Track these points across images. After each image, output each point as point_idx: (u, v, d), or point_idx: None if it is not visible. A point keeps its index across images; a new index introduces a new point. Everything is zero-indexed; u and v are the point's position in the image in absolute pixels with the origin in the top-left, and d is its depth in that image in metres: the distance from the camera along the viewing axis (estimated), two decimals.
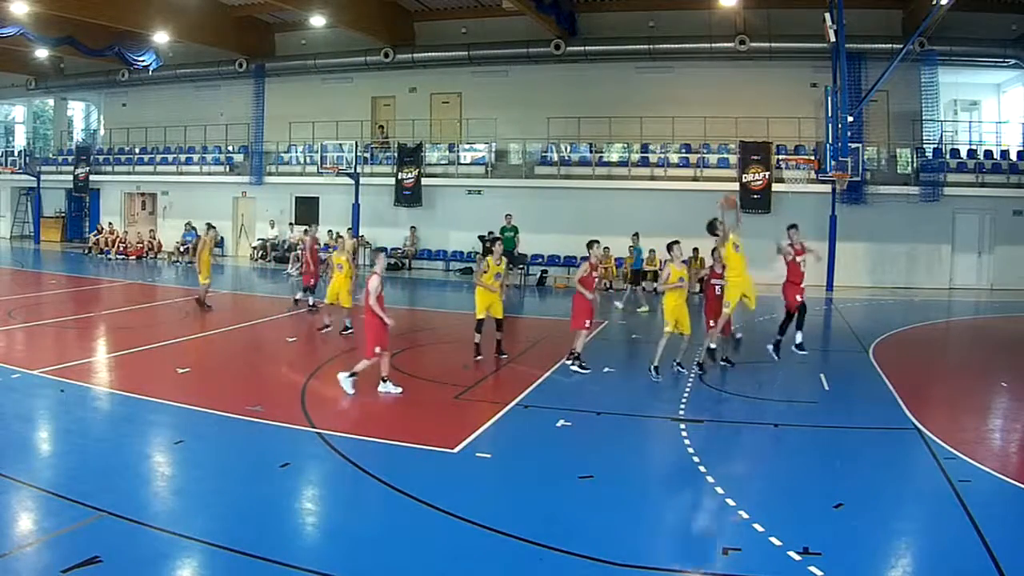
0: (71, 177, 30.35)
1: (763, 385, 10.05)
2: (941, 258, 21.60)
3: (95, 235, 27.99)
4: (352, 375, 8.88)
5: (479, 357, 10.95)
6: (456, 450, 7.13)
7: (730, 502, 5.98)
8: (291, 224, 26.67)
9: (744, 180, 21.61)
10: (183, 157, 28.91)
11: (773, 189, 21.51)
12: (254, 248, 26.93)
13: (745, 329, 10.64)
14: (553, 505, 6.05)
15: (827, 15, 18.55)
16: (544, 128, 23.81)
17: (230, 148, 28.37)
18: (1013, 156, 21.30)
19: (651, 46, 23.09)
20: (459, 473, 6.76)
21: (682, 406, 8.83)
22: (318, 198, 26.54)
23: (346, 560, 5.06)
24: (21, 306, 14.93)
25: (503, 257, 11.49)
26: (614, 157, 23.73)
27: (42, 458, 6.88)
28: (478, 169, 24.74)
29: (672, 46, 22.97)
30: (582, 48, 23.76)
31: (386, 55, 25.45)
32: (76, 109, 36.07)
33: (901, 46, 19.58)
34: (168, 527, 5.32)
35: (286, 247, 25.43)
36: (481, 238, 20.64)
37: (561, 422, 8.20)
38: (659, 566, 5.10)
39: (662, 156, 22.95)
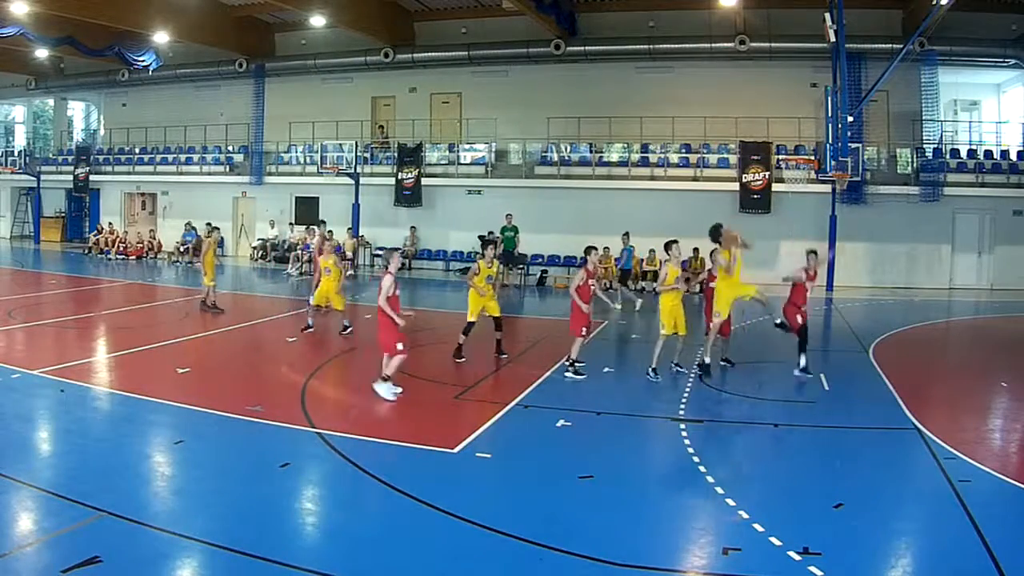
0: (71, 177, 30.36)
1: (763, 385, 10.05)
2: (941, 258, 21.61)
3: (95, 235, 27.98)
4: (386, 379, 8.71)
5: (461, 359, 10.88)
6: (456, 450, 7.12)
7: (730, 502, 5.98)
8: (291, 224, 26.69)
9: (744, 180, 21.61)
10: (183, 157, 28.91)
11: (773, 189, 21.51)
12: (254, 248, 26.93)
13: (755, 328, 10.50)
14: (553, 505, 6.05)
15: (827, 15, 18.55)
16: (544, 128, 23.81)
17: (230, 148, 28.37)
18: (1013, 156, 21.30)
19: (651, 46, 23.09)
20: (459, 473, 6.76)
21: (682, 406, 8.83)
22: (318, 198, 26.54)
23: (346, 560, 5.06)
24: (21, 306, 14.93)
25: (495, 260, 11.47)
26: (614, 157, 23.72)
27: (42, 458, 6.88)
28: (478, 169, 24.74)
29: (672, 46, 22.98)
30: (582, 48, 23.76)
31: (386, 55, 25.45)
32: (76, 109, 36.08)
33: (901, 46, 19.59)
34: (168, 527, 5.32)
35: (286, 247, 25.43)
36: (481, 238, 20.66)
37: (561, 422, 8.20)
38: (659, 566, 5.10)
39: (662, 156, 22.95)
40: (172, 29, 23.85)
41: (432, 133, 25.76)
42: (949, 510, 5.89)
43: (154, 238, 27.09)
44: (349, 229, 23.65)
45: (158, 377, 9.64)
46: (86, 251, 27.47)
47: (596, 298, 10.56)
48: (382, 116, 27.32)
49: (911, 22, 20.49)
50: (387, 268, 8.91)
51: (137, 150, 30.12)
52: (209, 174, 28.13)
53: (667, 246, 10.47)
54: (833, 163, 19.59)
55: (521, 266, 22.27)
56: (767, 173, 21.48)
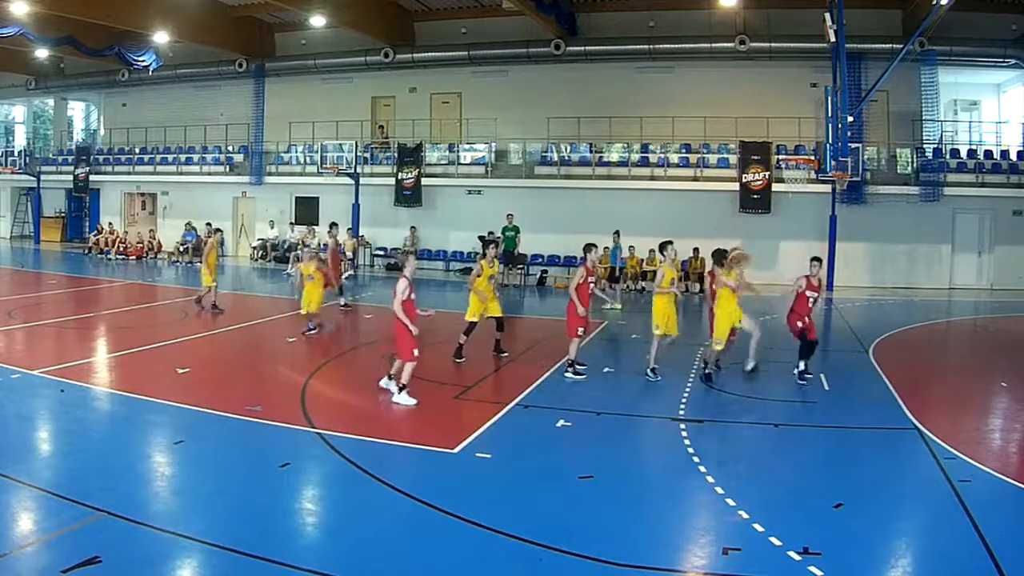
0: (71, 177, 30.35)
1: (763, 385, 10.04)
2: (941, 258, 21.60)
3: (95, 235, 27.99)
4: (403, 388, 8.61)
5: (461, 359, 10.87)
6: (456, 450, 7.13)
7: (730, 502, 5.99)
8: (291, 224, 26.69)
9: (744, 180, 21.61)
10: (183, 157, 28.91)
11: (773, 189, 21.50)
12: (254, 248, 26.93)
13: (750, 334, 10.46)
14: (553, 505, 6.04)
15: (827, 15, 18.54)
16: (544, 128, 23.81)
17: (230, 148, 28.37)
18: (1013, 156, 21.30)
19: (651, 46, 23.09)
20: (459, 473, 6.76)
21: (682, 406, 8.83)
22: (318, 198, 26.55)
23: (346, 560, 5.06)
24: (21, 306, 14.93)
25: (495, 259, 11.47)
26: (614, 157, 23.72)
27: (42, 458, 6.88)
28: (478, 169, 24.74)
29: (672, 46, 22.97)
30: (582, 48, 23.75)
31: (386, 55, 25.45)
32: (76, 109, 36.08)
33: (901, 46, 19.58)
34: (168, 527, 5.32)
35: (286, 247, 25.44)
36: (481, 238, 20.67)
37: (561, 422, 8.20)
38: (659, 566, 5.10)
39: (662, 156, 22.94)
40: (172, 29, 23.85)
41: (432, 133, 25.75)
42: (949, 510, 5.89)
43: (154, 238, 27.10)
44: (349, 229, 23.63)
45: (158, 377, 9.64)
46: (86, 251, 27.48)
47: (594, 297, 10.56)
48: (382, 116, 27.32)
49: (911, 22, 20.49)
50: (402, 271, 8.81)
51: (137, 150, 30.11)
52: (209, 174, 28.12)
53: (662, 247, 10.43)
54: (833, 163, 19.58)
55: (521, 266, 22.27)
56: (767, 173, 21.47)
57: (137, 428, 7.69)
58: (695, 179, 22.34)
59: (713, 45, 22.51)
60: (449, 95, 26.26)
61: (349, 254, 22.99)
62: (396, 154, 25.03)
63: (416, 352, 8.53)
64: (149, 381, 9.38)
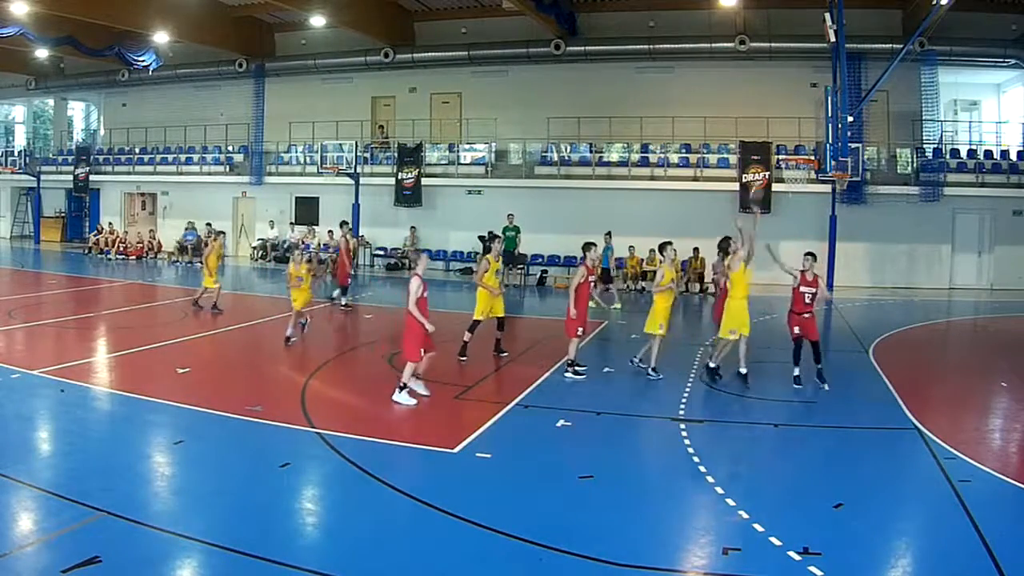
0: (71, 177, 30.34)
1: (763, 385, 10.03)
2: (941, 258, 21.60)
3: (95, 235, 27.97)
4: (403, 388, 8.60)
5: (464, 358, 10.88)
6: (456, 450, 7.13)
7: (730, 502, 5.99)
8: (291, 224, 26.70)
9: (744, 180, 21.61)
10: (183, 157, 28.91)
11: (773, 189, 21.50)
12: (254, 248, 26.93)
13: (754, 328, 10.40)
14: (553, 505, 6.04)
15: (827, 15, 18.54)
16: (544, 128, 23.81)
17: (230, 148, 28.37)
18: (1013, 156, 21.30)
19: (651, 46, 23.09)
20: (459, 473, 6.76)
21: (682, 406, 8.83)
22: (318, 198, 26.55)
23: (346, 560, 5.06)
24: (21, 306, 14.93)
25: (500, 255, 11.50)
26: (614, 157, 23.72)
27: (42, 458, 6.88)
28: (478, 169, 24.73)
29: (672, 46, 22.97)
30: (582, 48, 23.75)
31: (386, 55, 25.45)
32: (76, 109, 36.07)
33: (901, 46, 19.58)
34: (168, 527, 5.32)
35: (286, 247, 25.43)
36: (481, 238, 20.65)
37: (561, 422, 8.20)
38: (659, 566, 5.10)
39: (662, 156, 22.94)
40: (172, 29, 23.85)
41: (432, 133, 25.75)
42: (949, 510, 5.90)
43: (154, 238, 27.08)
44: (350, 229, 23.59)
45: (158, 377, 9.64)
46: (86, 251, 27.47)
47: (593, 300, 10.57)
48: (382, 116, 27.32)
49: (911, 22, 20.49)
50: (415, 271, 8.78)
51: (137, 150, 30.10)
52: (209, 174, 28.12)
53: (661, 248, 10.48)
54: (833, 163, 19.59)
55: (521, 266, 22.27)
56: (767, 173, 21.47)
57: (137, 428, 7.69)
58: (695, 179, 22.34)
59: (713, 45, 22.51)
60: (449, 95, 26.25)
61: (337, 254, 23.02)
62: (396, 154, 25.03)
63: (423, 353, 8.55)
64: (149, 381, 9.38)
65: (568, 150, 23.98)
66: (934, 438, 7.65)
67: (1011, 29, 20.69)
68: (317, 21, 23.47)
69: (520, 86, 24.89)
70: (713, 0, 19.98)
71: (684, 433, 7.78)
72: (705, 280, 20.70)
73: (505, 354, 11.29)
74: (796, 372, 9.91)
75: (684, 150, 23.11)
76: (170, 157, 29.17)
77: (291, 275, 12.33)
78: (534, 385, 9.65)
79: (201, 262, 24.51)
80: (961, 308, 18.97)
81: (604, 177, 23.19)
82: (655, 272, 20.24)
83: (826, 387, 9.73)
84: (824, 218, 21.06)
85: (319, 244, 24.19)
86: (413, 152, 24.69)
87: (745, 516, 5.69)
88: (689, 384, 9.89)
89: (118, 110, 31.90)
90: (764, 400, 9.36)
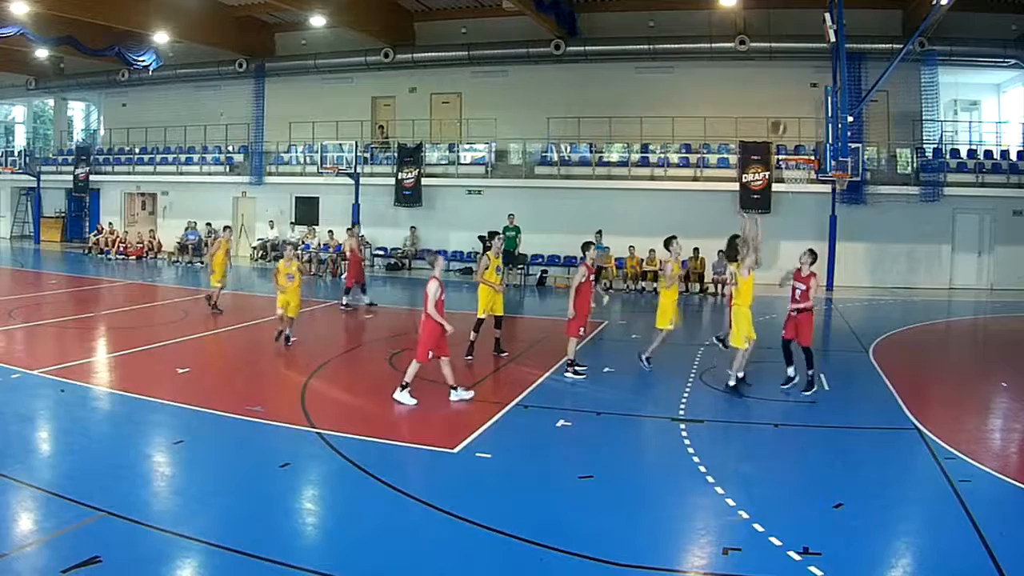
0: (71, 177, 30.34)
1: (763, 385, 10.03)
2: (941, 258, 21.60)
3: (95, 235, 27.98)
4: (404, 387, 8.61)
5: (469, 357, 10.90)
6: (456, 450, 7.13)
7: (730, 502, 5.99)
8: (292, 224, 26.70)
9: (744, 180, 21.61)
10: (183, 157, 28.91)
11: (773, 189, 21.50)
12: (254, 248, 26.92)
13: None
14: (553, 505, 6.05)
15: (827, 15, 18.55)
16: (544, 128, 23.80)
17: (230, 148, 28.37)
18: (1013, 156, 21.28)
19: (651, 46, 23.09)
20: (459, 473, 6.76)
21: (682, 406, 8.84)
22: (318, 198, 26.56)
23: (346, 560, 5.06)
24: (21, 306, 14.93)
25: (498, 253, 11.51)
26: (614, 157, 23.72)
27: (42, 458, 6.88)
28: (478, 169, 24.73)
29: (672, 46, 22.97)
30: (582, 48, 23.75)
31: (386, 55, 25.45)
32: (76, 109, 36.06)
33: (901, 46, 19.58)
34: (168, 527, 5.32)
35: (278, 245, 25.42)
36: (481, 238, 20.65)
37: (561, 422, 8.20)
38: (659, 566, 5.10)
39: (662, 156, 22.94)
40: (172, 29, 23.85)
41: (432, 133, 25.76)
42: (949, 510, 5.90)
43: (154, 238, 27.08)
44: (349, 229, 23.60)
45: (158, 377, 9.64)
46: (86, 251, 27.47)
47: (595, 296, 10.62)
48: (382, 116, 27.32)
49: (911, 22, 20.49)
50: (433, 273, 8.78)
51: (137, 150, 30.11)
52: (209, 174, 28.12)
53: (667, 242, 10.57)
54: (833, 163, 19.59)
55: (521, 266, 22.27)
56: (767, 173, 21.47)
57: (137, 428, 7.69)
58: (695, 179, 22.34)
59: (713, 45, 22.51)
60: (449, 95, 26.26)
61: (348, 254, 23.00)
62: (396, 154, 25.03)
63: (432, 355, 8.57)
64: (149, 381, 9.38)
65: (568, 150, 23.97)
66: (934, 438, 7.65)
67: (1011, 29, 20.69)
68: (317, 21, 23.46)
69: (520, 86, 24.88)
70: (713, 0, 19.98)
71: (684, 433, 7.78)
72: (705, 280, 20.73)
73: (505, 354, 11.30)
74: (790, 373, 9.72)
75: (684, 150, 23.11)
76: (170, 157, 29.17)
77: (280, 272, 11.77)
78: (534, 385, 9.65)
79: (202, 262, 24.76)
80: (961, 308, 18.97)
81: (604, 177, 23.19)
82: (655, 272, 20.52)
83: (824, 389, 9.72)
84: (824, 218, 21.06)
85: (319, 244, 24.22)
86: (413, 152, 24.69)
87: (745, 516, 5.69)
88: (689, 384, 9.89)
89: (118, 110, 31.90)
90: (764, 400, 9.35)
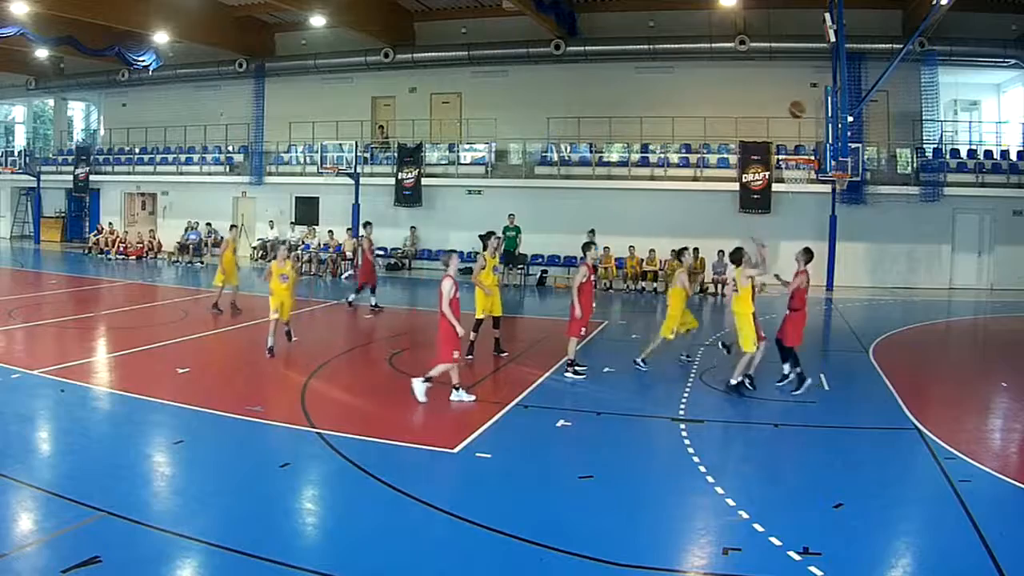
0: (71, 177, 30.35)
1: (763, 385, 10.03)
2: (941, 258, 21.60)
3: (95, 235, 27.96)
4: (427, 380, 8.60)
5: (469, 356, 10.89)
6: (456, 450, 7.13)
7: (730, 502, 5.99)
8: (292, 224, 26.69)
9: (744, 180, 21.61)
10: (183, 157, 28.91)
11: (773, 189, 21.51)
12: (254, 248, 26.90)
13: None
14: (553, 505, 6.05)
15: (827, 15, 18.55)
16: (544, 128, 23.81)
17: (230, 148, 28.37)
18: (1013, 156, 21.29)
19: (651, 46, 23.09)
20: (459, 473, 6.77)
21: (682, 406, 8.84)
22: (318, 198, 26.56)
23: (346, 560, 5.06)
24: (21, 306, 14.93)
25: (496, 253, 11.51)
26: (614, 157, 23.72)
27: (42, 458, 6.88)
28: (478, 169, 24.73)
29: (672, 46, 22.97)
30: (582, 48, 23.75)
31: (386, 55, 25.45)
32: (76, 109, 36.07)
33: (901, 46, 19.58)
34: (168, 527, 5.32)
35: (271, 244, 25.40)
36: (481, 237, 20.66)
37: (561, 422, 8.20)
38: (659, 566, 5.10)
39: (662, 156, 22.94)
40: (172, 29, 23.85)
41: (432, 133, 25.76)
42: (949, 510, 5.90)
43: (154, 238, 27.08)
44: (349, 229, 23.64)
45: (158, 377, 9.64)
46: (86, 251, 27.46)
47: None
48: (382, 116, 27.32)
49: (911, 22, 20.50)
50: (447, 272, 8.77)
51: (137, 150, 30.11)
52: (209, 174, 28.12)
53: (679, 254, 11.20)
54: (833, 163, 19.59)
55: (521, 266, 22.28)
56: (767, 173, 21.47)
57: (137, 428, 7.69)
58: (695, 179, 22.34)
59: (713, 45, 22.51)
60: (449, 95, 26.26)
61: (348, 254, 23.02)
62: (396, 154, 25.03)
63: (456, 354, 8.61)
64: (149, 381, 9.38)
65: (568, 150, 23.97)
66: (934, 438, 7.65)
67: (1011, 29, 20.69)
68: (317, 21, 23.46)
69: (520, 86, 24.89)
70: (713, 0, 19.98)
71: (684, 433, 7.78)
72: (705, 280, 20.71)
73: (505, 354, 11.31)
74: (785, 371, 9.68)
75: (684, 150, 23.11)
76: (170, 157, 29.17)
77: (273, 272, 11.34)
78: (534, 385, 9.66)
79: (202, 262, 24.76)
80: (961, 308, 18.96)
81: (604, 177, 23.19)
82: (655, 272, 20.51)
83: (824, 389, 9.72)
84: (824, 218, 21.06)
85: (319, 244, 24.21)
86: (413, 152, 24.69)
87: (745, 516, 5.69)
88: (689, 384, 9.89)
89: (118, 110, 31.90)
90: (764, 400, 9.35)
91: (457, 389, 8.69)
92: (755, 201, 21.58)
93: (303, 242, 24.44)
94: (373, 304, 15.72)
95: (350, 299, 15.89)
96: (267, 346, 11.06)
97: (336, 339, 13.45)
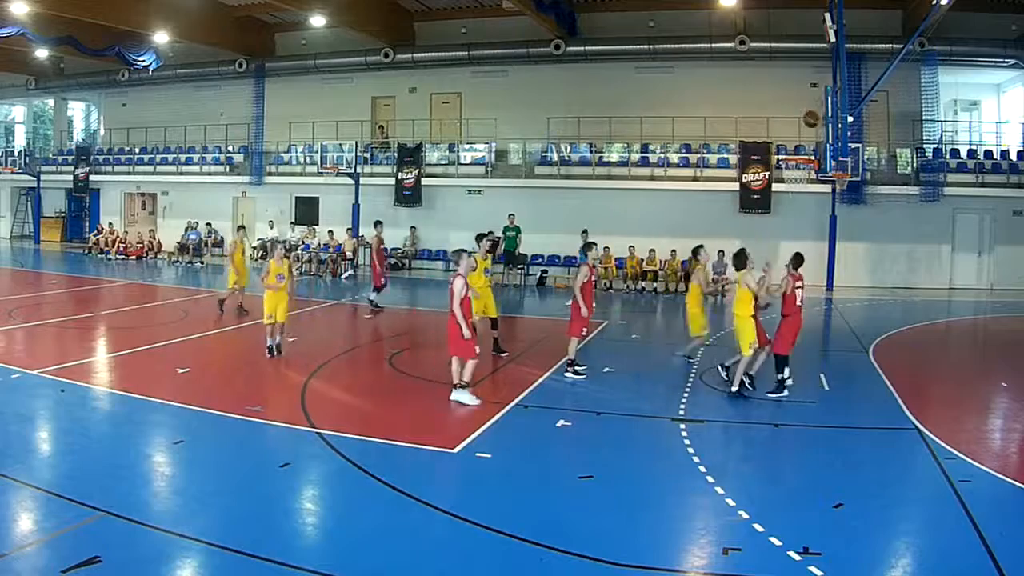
0: (71, 177, 30.35)
1: (763, 385, 10.02)
2: (941, 258, 21.60)
3: (95, 235, 27.96)
4: (465, 385, 8.59)
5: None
6: (456, 450, 7.13)
7: (730, 502, 5.99)
8: (292, 224, 26.69)
9: (744, 180, 21.61)
10: (183, 157, 28.92)
11: (773, 189, 21.51)
12: (254, 248, 26.86)
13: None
14: (553, 505, 6.05)
15: (827, 15, 18.54)
16: (544, 128, 23.81)
17: (230, 148, 28.37)
18: (1013, 156, 21.29)
19: (651, 46, 23.10)
20: (459, 473, 6.77)
21: (682, 406, 8.84)
22: (318, 198, 26.56)
23: (346, 560, 5.06)
24: (21, 306, 14.92)
25: (488, 254, 11.49)
26: (614, 157, 23.73)
27: (42, 458, 6.88)
28: (478, 169, 24.74)
29: (672, 46, 22.98)
30: (582, 48, 23.76)
31: (386, 55, 25.46)
32: (76, 109, 36.08)
33: (901, 46, 19.57)
34: (168, 527, 5.32)
35: (268, 243, 25.39)
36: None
37: (561, 422, 8.20)
38: (659, 566, 5.10)
39: (662, 156, 22.95)
40: (172, 29, 23.85)
41: (432, 133, 25.76)
42: (949, 510, 5.90)
43: (154, 238, 27.07)
44: (349, 229, 23.65)
45: (158, 377, 9.64)
46: (86, 251, 27.45)
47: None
48: (382, 116, 27.32)
49: (911, 22, 20.50)
50: (458, 271, 8.76)
51: (137, 150, 30.11)
52: (209, 174, 28.13)
53: (695, 252, 11.42)
54: (833, 163, 19.59)
55: (521, 266, 22.28)
56: (767, 173, 21.47)
57: (137, 428, 7.68)
58: (695, 179, 22.34)
59: (713, 45, 22.51)
60: (449, 95, 26.26)
61: (349, 254, 23.03)
62: (396, 154, 25.04)
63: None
64: (149, 381, 9.37)
65: (568, 150, 23.98)
66: (934, 438, 7.64)
67: (1011, 29, 20.69)
68: (317, 21, 23.46)
69: (520, 86, 24.89)
70: (713, 0, 19.98)
71: (684, 433, 7.78)
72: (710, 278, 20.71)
73: (505, 354, 11.30)
74: (782, 375, 9.50)
75: (684, 150, 23.12)
76: (170, 157, 29.17)
77: (271, 272, 10.95)
78: (534, 385, 9.65)
79: (202, 263, 24.76)
80: (961, 308, 18.96)
81: (604, 177, 23.19)
82: (655, 272, 20.49)
83: (824, 388, 9.72)
84: (824, 218, 21.06)
85: (319, 244, 24.21)
86: (413, 152, 24.69)
87: (745, 516, 5.69)
88: (689, 384, 9.89)
89: (118, 110, 31.90)
90: (764, 400, 9.35)
91: (461, 388, 8.66)
92: (755, 201, 21.58)
93: (303, 242, 24.44)
94: (377, 305, 15.67)
95: (371, 299, 15.60)
96: (267, 346, 11.05)
97: (336, 339, 13.44)
